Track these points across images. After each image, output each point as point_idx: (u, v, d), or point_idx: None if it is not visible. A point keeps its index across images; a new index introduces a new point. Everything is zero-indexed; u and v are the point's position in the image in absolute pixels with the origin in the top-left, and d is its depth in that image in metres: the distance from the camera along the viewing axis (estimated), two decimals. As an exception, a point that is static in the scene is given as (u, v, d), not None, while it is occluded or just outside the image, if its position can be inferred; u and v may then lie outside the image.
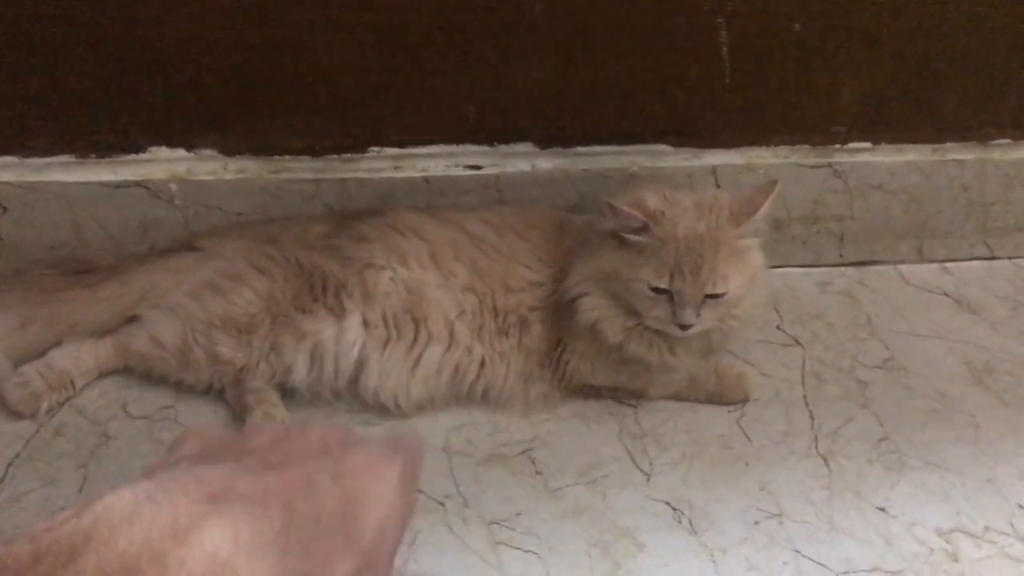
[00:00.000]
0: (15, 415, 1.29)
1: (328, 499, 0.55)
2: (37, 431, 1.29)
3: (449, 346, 1.35)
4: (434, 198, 1.55)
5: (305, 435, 0.61)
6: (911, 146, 1.70)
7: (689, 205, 1.28)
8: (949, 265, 1.80)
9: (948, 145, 1.71)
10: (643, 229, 1.25)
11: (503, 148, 1.56)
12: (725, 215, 1.27)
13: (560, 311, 1.36)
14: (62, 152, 1.44)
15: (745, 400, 1.42)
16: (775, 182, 1.30)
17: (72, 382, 1.33)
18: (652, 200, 1.28)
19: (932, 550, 1.20)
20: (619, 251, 1.28)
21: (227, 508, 0.48)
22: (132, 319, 1.35)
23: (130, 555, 0.44)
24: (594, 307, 1.32)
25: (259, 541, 0.48)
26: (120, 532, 0.45)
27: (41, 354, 1.32)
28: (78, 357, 1.33)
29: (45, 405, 1.30)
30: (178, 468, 0.53)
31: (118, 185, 1.46)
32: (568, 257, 1.37)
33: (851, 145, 1.67)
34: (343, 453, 0.60)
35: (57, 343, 1.34)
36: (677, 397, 1.42)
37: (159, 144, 1.46)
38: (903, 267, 1.79)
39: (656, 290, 1.25)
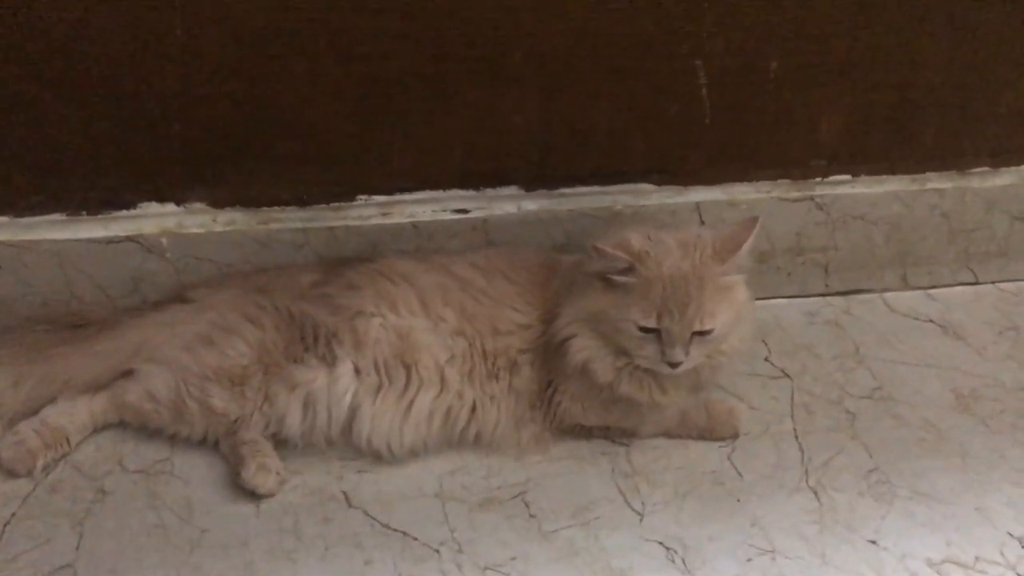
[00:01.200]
0: (11, 473, 1.30)
1: None
2: (33, 490, 1.29)
3: (440, 391, 1.36)
4: (423, 243, 1.57)
5: None
6: (891, 176, 1.72)
7: (673, 244, 1.30)
8: (934, 292, 1.82)
9: (928, 175, 1.74)
10: (629, 270, 1.27)
11: (489, 191, 1.58)
12: (709, 252, 1.29)
13: (549, 353, 1.37)
14: (53, 210, 1.46)
15: (735, 435, 1.44)
16: (756, 218, 1.33)
17: (67, 439, 1.33)
18: (636, 241, 1.30)
19: (924, 582, 1.21)
20: (606, 292, 1.30)
21: None
22: (126, 373, 1.36)
23: None
24: (584, 348, 1.33)
25: None
26: None
27: (35, 411, 1.33)
28: (73, 413, 1.34)
29: (41, 463, 1.30)
30: None
31: (109, 241, 1.48)
32: (556, 299, 1.38)
33: (832, 178, 1.70)
34: None
35: (51, 400, 1.34)
36: (668, 434, 1.43)
37: (149, 199, 1.48)
38: (888, 295, 1.80)
39: (644, 329, 1.27)
